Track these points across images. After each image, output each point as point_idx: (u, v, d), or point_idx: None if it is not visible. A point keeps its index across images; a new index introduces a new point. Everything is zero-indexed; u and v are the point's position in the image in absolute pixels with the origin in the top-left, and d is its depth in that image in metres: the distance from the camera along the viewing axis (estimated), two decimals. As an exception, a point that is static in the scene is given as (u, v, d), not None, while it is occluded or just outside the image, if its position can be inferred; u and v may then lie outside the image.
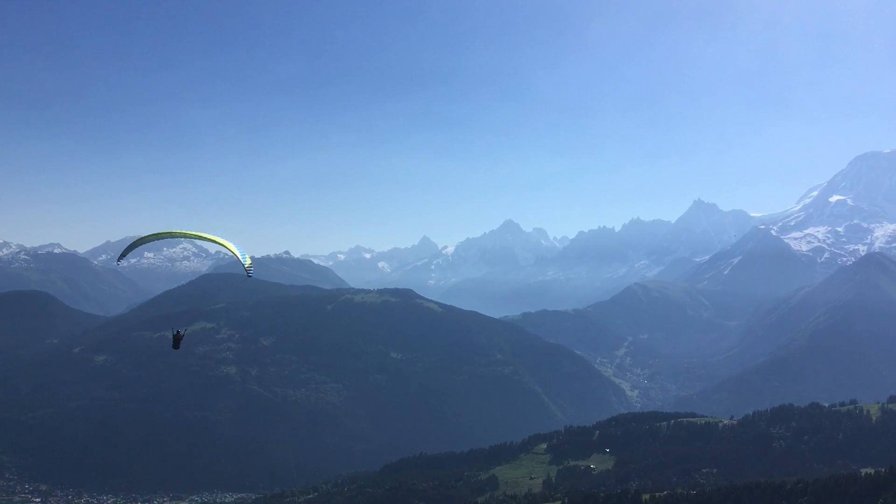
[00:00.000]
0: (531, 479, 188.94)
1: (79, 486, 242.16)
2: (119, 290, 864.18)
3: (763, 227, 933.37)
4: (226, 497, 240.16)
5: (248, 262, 65.11)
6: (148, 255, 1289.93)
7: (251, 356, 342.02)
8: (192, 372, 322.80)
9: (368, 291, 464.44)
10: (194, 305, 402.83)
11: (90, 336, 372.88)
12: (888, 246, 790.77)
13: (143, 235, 65.43)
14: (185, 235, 65.28)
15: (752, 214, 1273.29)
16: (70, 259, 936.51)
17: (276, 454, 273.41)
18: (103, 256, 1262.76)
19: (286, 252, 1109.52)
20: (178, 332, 69.78)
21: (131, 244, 66.46)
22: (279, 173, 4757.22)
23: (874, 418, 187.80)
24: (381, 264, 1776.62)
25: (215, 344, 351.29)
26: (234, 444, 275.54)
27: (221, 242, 65.74)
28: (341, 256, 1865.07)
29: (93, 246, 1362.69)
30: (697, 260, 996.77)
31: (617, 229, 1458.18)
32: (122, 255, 70.11)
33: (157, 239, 64.88)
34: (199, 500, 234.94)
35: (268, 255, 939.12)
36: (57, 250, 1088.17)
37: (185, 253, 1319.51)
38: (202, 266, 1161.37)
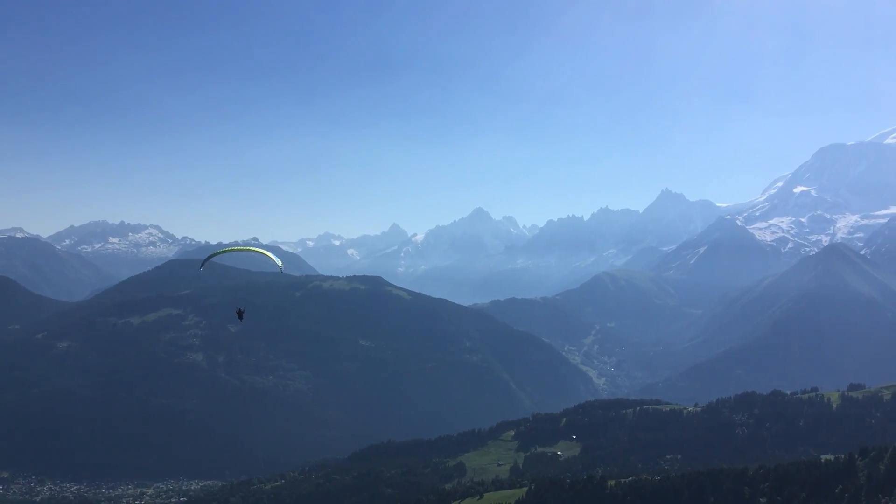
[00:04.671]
0: (498, 465, 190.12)
1: (41, 474, 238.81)
2: (83, 276, 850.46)
3: (729, 217, 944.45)
4: (191, 484, 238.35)
5: (280, 263, 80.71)
6: (113, 241, 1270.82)
7: (218, 343, 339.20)
8: (158, 359, 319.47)
9: (337, 278, 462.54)
10: (160, 292, 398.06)
11: (53, 322, 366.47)
12: (850, 237, 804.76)
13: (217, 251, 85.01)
14: (238, 250, 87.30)
15: (718, 205, 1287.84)
16: (32, 244, 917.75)
17: (243, 442, 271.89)
18: (67, 241, 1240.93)
19: (254, 238, 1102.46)
20: (240, 309, 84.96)
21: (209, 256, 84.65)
22: (247, 159, 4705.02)
23: (834, 406, 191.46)
24: (350, 251, 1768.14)
25: (182, 331, 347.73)
26: (200, 432, 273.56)
27: (262, 252, 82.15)
28: (310, 243, 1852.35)
29: (56, 230, 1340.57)
30: (665, 249, 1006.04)
31: (586, 218, 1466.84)
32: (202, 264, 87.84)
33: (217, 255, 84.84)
34: (164, 488, 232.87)
35: (235, 242, 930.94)
36: (19, 234, 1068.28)
37: (151, 238, 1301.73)
38: (168, 252, 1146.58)
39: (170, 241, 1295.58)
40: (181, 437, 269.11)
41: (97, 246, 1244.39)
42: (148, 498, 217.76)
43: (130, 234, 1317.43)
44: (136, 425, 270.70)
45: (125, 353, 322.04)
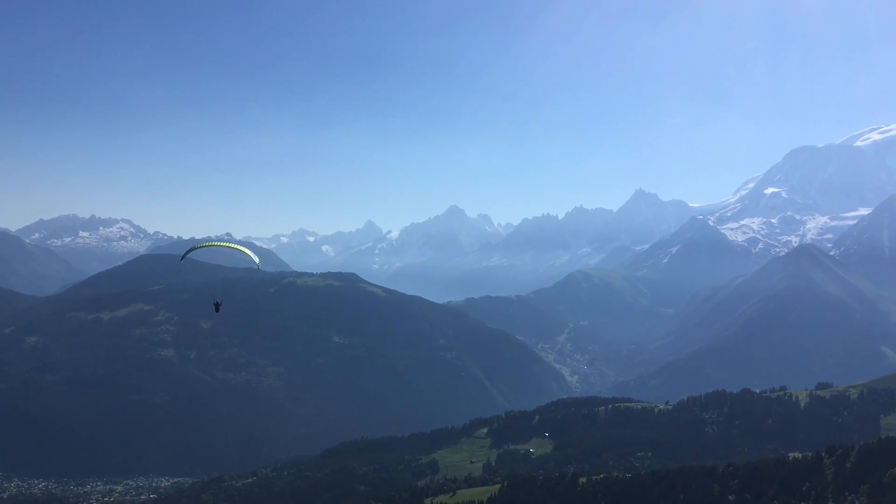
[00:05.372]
0: (471, 462, 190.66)
1: (9, 470, 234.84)
2: (52, 270, 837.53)
3: (701, 217, 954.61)
4: (161, 481, 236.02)
5: (257, 259, 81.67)
6: (83, 235, 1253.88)
7: (190, 339, 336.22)
8: (129, 355, 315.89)
9: (312, 275, 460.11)
10: (131, 287, 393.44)
11: (21, 316, 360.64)
12: (819, 238, 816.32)
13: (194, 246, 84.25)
14: (218, 246, 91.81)
15: (690, 205, 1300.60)
16: (0, 237, 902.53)
17: (215, 438, 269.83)
18: (36, 235, 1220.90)
19: (228, 234, 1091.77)
20: (217, 302, 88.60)
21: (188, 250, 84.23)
22: (221, 154, 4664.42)
23: (803, 404, 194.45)
24: (324, 248, 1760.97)
25: (153, 326, 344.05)
26: (171, 428, 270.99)
27: (240, 248, 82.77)
28: (284, 239, 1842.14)
29: (25, 224, 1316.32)
30: (638, 248, 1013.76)
31: (560, 217, 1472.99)
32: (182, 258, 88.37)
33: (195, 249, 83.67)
34: (134, 485, 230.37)
35: (208, 237, 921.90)
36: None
37: (123, 233, 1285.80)
38: (140, 247, 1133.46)
39: (141, 235, 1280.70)
40: (151, 434, 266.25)
41: (67, 240, 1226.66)
42: (117, 495, 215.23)
43: (101, 228, 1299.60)
44: (106, 421, 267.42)
45: (95, 348, 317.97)
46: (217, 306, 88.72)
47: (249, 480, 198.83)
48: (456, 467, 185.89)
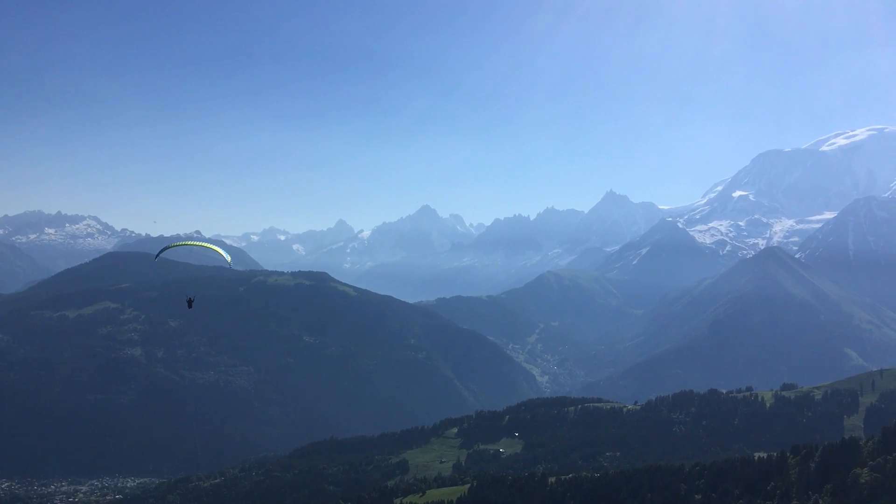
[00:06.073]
0: (441, 462, 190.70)
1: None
2: (17, 267, 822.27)
3: (670, 219, 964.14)
4: (127, 482, 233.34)
5: (228, 258, 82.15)
6: (49, 231, 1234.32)
7: (158, 338, 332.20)
8: (95, 353, 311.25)
9: (282, 274, 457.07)
10: (98, 284, 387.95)
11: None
12: (786, 241, 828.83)
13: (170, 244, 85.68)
14: (192, 245, 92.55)
15: (660, 207, 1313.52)
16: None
17: (182, 438, 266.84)
18: (0, 231, 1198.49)
19: (197, 232, 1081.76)
20: (190, 298, 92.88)
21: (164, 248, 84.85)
22: (191, 151, 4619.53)
23: (768, 405, 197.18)
24: (295, 246, 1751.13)
25: (120, 325, 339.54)
26: (138, 428, 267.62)
27: (214, 248, 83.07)
28: (255, 237, 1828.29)
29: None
30: (608, 250, 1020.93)
31: (532, 218, 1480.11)
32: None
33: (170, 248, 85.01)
34: (100, 485, 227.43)
35: (177, 235, 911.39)
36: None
37: (89, 230, 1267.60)
38: (107, 244, 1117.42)
39: (108, 232, 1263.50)
40: (117, 434, 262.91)
41: (32, 237, 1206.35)
42: (82, 495, 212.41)
43: (68, 224, 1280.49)
44: (71, 421, 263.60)
45: (60, 346, 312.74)
46: (190, 302, 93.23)
47: (217, 481, 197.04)
48: (426, 467, 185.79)
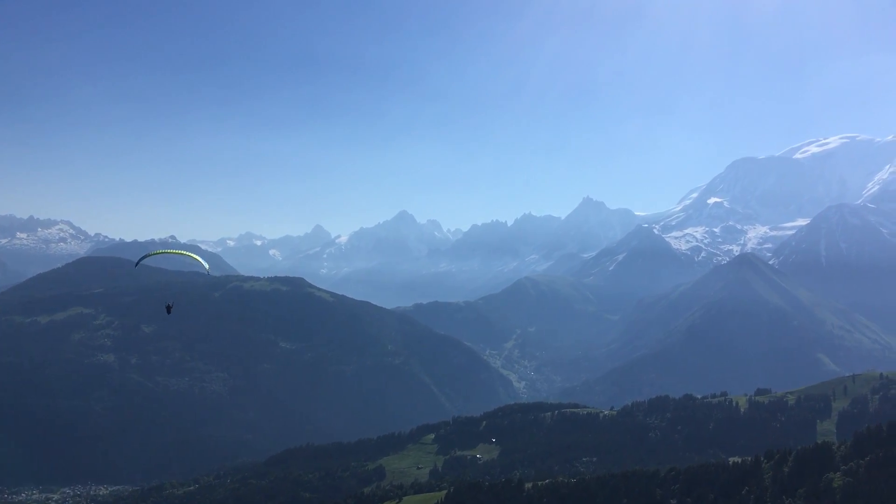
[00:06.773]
0: (418, 468, 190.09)
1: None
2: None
3: (646, 225, 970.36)
4: (100, 489, 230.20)
5: (207, 266, 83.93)
6: (21, 236, 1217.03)
7: (131, 344, 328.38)
8: (66, 359, 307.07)
9: (258, 279, 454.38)
10: (70, 290, 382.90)
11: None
12: (760, 247, 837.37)
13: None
14: (171, 253, 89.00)
15: (637, 213, 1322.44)
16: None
17: (156, 445, 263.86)
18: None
19: (172, 237, 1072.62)
20: (168, 304, 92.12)
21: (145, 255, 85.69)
22: (166, 155, 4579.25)
23: (742, 410, 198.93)
24: (272, 252, 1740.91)
25: (92, 330, 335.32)
26: (111, 435, 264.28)
27: (193, 256, 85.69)
28: (231, 243, 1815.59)
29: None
30: (585, 256, 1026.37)
31: (509, 224, 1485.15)
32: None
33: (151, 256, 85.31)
34: (72, 493, 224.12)
35: (152, 240, 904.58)
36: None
37: (62, 234, 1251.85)
38: (80, 249, 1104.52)
39: (82, 237, 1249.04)
40: (90, 441, 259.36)
41: (3, 241, 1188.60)
42: (53, 503, 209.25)
43: (40, 229, 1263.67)
44: (42, 428, 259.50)
45: (31, 352, 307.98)
46: (168, 309, 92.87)
47: (191, 488, 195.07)
48: (402, 473, 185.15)
